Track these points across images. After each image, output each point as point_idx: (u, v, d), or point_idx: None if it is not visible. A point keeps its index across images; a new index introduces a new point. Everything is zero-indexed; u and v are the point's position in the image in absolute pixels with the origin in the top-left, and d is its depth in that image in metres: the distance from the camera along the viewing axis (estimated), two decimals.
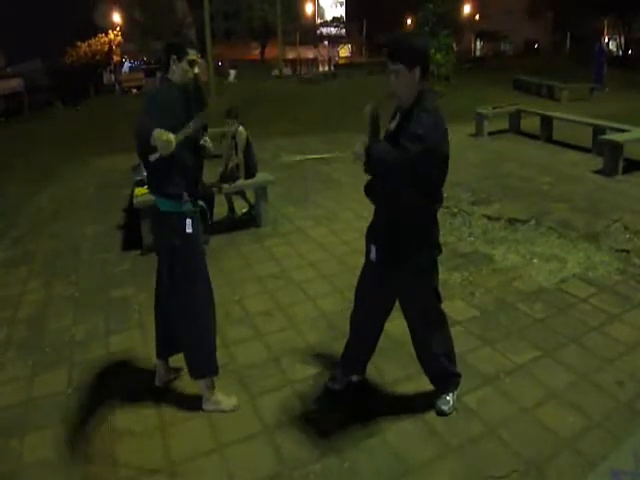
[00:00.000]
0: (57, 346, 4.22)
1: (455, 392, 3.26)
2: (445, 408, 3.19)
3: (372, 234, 3.01)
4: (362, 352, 3.40)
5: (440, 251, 3.01)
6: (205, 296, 3.24)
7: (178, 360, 3.48)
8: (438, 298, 3.09)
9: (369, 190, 2.95)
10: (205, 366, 3.27)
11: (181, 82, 3.11)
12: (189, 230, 3.11)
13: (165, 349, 3.50)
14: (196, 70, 3.17)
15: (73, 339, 4.30)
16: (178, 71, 3.09)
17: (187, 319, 3.20)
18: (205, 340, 3.25)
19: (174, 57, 3.06)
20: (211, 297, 3.29)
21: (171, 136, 2.73)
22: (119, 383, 3.61)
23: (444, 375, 3.23)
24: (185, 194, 3.09)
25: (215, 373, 3.31)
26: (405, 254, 2.86)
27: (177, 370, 3.62)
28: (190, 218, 3.12)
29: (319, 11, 62.36)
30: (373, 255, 2.96)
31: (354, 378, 3.47)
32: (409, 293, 3.04)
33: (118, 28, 42.35)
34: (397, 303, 3.13)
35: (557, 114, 10.81)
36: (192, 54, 3.10)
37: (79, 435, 3.21)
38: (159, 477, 2.86)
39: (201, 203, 3.24)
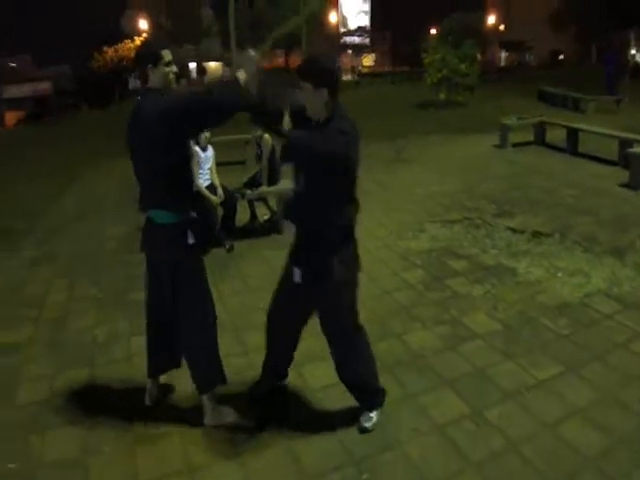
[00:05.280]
0: (80, 346, 4.27)
1: (380, 409, 3.25)
2: (367, 425, 3.17)
3: (294, 257, 3.01)
4: (280, 364, 3.47)
5: (358, 266, 3.03)
6: (209, 307, 3.21)
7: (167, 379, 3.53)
8: (355, 314, 3.10)
9: (288, 212, 3.03)
10: (213, 379, 3.24)
11: (164, 87, 3.00)
12: (191, 241, 3.03)
13: (160, 367, 3.45)
14: (174, 68, 3.04)
15: (95, 339, 4.35)
16: (158, 78, 2.97)
17: (194, 332, 3.16)
18: (213, 352, 3.23)
19: (150, 66, 2.95)
20: (213, 308, 3.24)
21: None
22: (140, 385, 3.62)
23: (367, 392, 3.22)
24: (185, 204, 3.05)
25: (223, 382, 3.28)
26: (325, 271, 2.87)
27: (168, 387, 3.58)
28: (190, 228, 3.04)
29: (343, 20, 62.52)
30: (298, 278, 2.95)
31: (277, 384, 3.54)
32: (327, 309, 3.06)
33: (145, 34, 42.86)
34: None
35: (583, 126, 10.69)
36: (166, 54, 2.97)
37: (100, 435, 3.23)
38: (177, 478, 2.89)
39: (194, 213, 3.16)
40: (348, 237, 2.95)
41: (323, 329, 3.12)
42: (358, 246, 3.03)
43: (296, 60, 41.42)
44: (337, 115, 2.79)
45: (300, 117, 2.85)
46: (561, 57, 49.31)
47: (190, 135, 3.06)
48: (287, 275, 3.05)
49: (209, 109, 2.80)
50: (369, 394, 3.22)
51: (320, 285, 2.92)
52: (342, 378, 3.21)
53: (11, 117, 42.48)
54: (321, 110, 2.78)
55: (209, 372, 3.24)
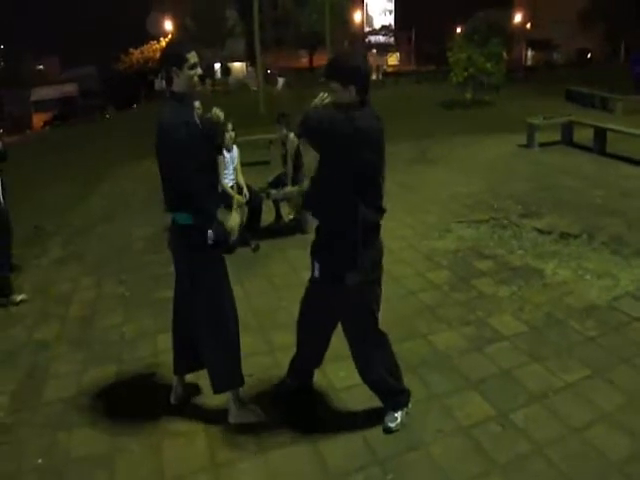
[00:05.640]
0: (107, 343, 4.34)
1: (405, 409, 3.22)
2: (392, 425, 3.14)
3: (314, 251, 3.01)
4: (307, 365, 3.46)
5: (379, 271, 3.01)
6: (228, 307, 3.21)
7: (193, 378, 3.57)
8: (375, 318, 3.06)
9: (309, 203, 3.04)
10: (228, 379, 3.24)
11: (188, 90, 3.01)
12: (211, 242, 3.05)
13: (184, 365, 3.47)
14: (199, 71, 3.02)
15: (122, 337, 4.41)
16: (183, 80, 2.96)
17: (210, 331, 3.17)
18: (229, 352, 3.21)
19: (174, 68, 2.93)
20: (234, 307, 3.25)
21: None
22: (167, 382, 3.66)
23: (390, 393, 3.20)
24: (206, 204, 3.07)
25: (240, 385, 3.28)
26: (340, 271, 2.87)
27: (194, 386, 3.61)
28: (211, 229, 3.05)
29: (368, 19, 62.34)
30: (316, 273, 2.97)
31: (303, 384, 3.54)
32: (345, 311, 3.05)
33: (170, 36, 43.23)
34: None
35: (611, 126, 10.53)
36: (192, 57, 2.94)
37: (126, 432, 3.28)
38: (202, 475, 2.91)
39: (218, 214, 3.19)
40: (370, 239, 2.92)
41: (344, 332, 3.13)
42: (383, 248, 3.02)
43: (320, 60, 41.53)
44: (364, 107, 2.77)
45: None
46: (589, 56, 48.54)
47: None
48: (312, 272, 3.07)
49: (180, 185, 2.95)
50: (393, 395, 3.21)
51: (336, 285, 2.92)
52: (365, 381, 3.21)
53: (38, 119, 43.33)
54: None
55: (225, 373, 3.24)
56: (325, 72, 2.77)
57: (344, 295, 2.95)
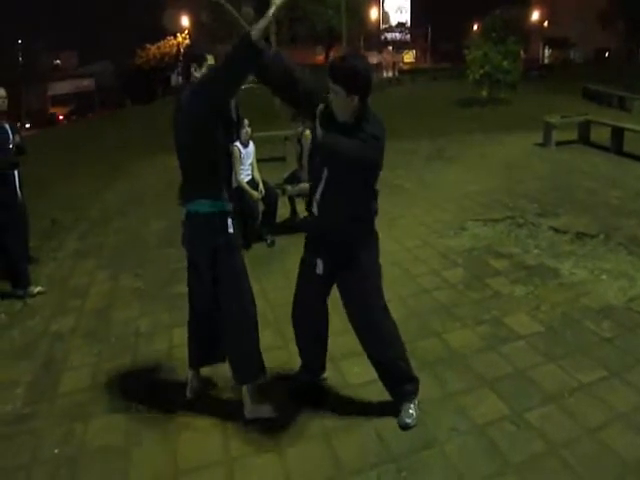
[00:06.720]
0: (122, 336, 4.37)
1: (416, 400, 3.22)
2: (409, 421, 3.14)
3: (317, 248, 3.06)
4: (314, 358, 3.46)
5: (376, 251, 3.09)
6: (249, 297, 3.23)
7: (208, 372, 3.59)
8: (381, 298, 3.11)
9: (310, 204, 3.05)
10: (252, 371, 3.26)
11: None
12: (231, 230, 3.10)
13: (199, 358, 3.49)
14: None
15: (138, 330, 4.44)
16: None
17: (235, 322, 3.19)
18: (252, 343, 3.25)
19: (194, 65, 3.15)
20: (253, 298, 3.27)
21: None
22: (182, 376, 3.67)
23: (402, 380, 3.20)
24: (225, 192, 3.11)
25: (263, 374, 3.30)
26: (350, 263, 2.95)
27: (209, 379, 3.63)
28: (231, 218, 3.11)
29: (384, 16, 62.06)
30: (320, 269, 3.01)
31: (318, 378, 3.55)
32: (352, 299, 3.10)
33: (186, 31, 43.25)
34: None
35: (629, 125, 10.42)
36: (210, 59, 3.18)
37: (142, 424, 3.30)
38: (216, 469, 2.93)
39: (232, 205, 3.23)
40: (372, 229, 3.05)
41: (346, 309, 3.15)
42: (379, 237, 3.12)
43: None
44: (368, 117, 2.76)
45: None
46: (607, 54, 48.07)
47: (219, 106, 3.02)
48: (307, 267, 3.14)
49: (223, 69, 2.89)
50: (403, 381, 3.20)
51: (340, 277, 3.03)
52: (377, 364, 3.22)
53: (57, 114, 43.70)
54: (349, 115, 2.74)
55: (248, 364, 3.26)
56: (331, 74, 2.68)
57: (351, 280, 3.03)
